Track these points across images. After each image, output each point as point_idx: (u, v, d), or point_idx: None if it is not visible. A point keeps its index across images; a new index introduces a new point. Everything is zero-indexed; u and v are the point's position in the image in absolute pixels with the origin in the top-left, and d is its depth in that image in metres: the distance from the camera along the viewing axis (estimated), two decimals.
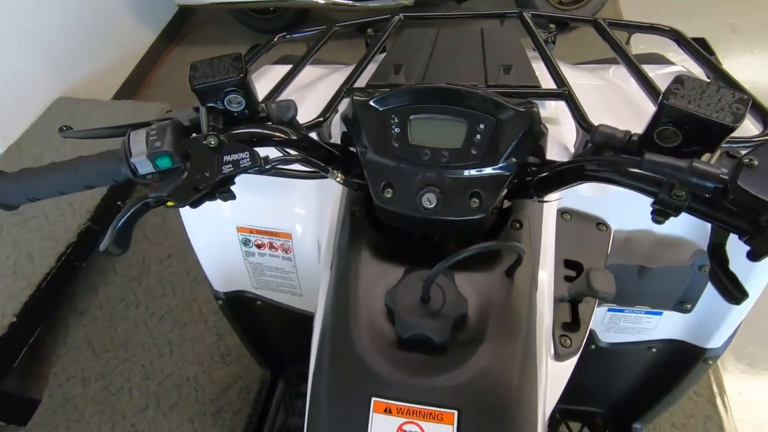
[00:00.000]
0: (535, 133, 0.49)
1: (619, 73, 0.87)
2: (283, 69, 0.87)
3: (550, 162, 0.52)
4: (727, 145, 0.43)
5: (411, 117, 0.51)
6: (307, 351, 0.57)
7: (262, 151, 0.48)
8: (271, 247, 0.86)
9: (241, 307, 0.99)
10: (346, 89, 0.74)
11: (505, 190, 0.51)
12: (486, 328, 0.50)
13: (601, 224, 0.73)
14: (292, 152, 0.52)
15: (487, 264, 0.55)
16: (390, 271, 0.55)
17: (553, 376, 0.59)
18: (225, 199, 0.49)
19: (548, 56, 0.77)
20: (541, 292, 0.57)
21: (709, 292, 0.73)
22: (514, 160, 0.49)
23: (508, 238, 0.57)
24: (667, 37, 0.83)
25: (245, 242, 0.87)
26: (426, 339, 0.48)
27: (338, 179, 0.52)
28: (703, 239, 0.71)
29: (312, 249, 0.83)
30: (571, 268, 0.69)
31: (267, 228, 0.84)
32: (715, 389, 1.38)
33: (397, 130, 0.52)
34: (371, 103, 0.52)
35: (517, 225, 0.59)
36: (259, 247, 0.87)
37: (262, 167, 0.46)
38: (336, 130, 0.73)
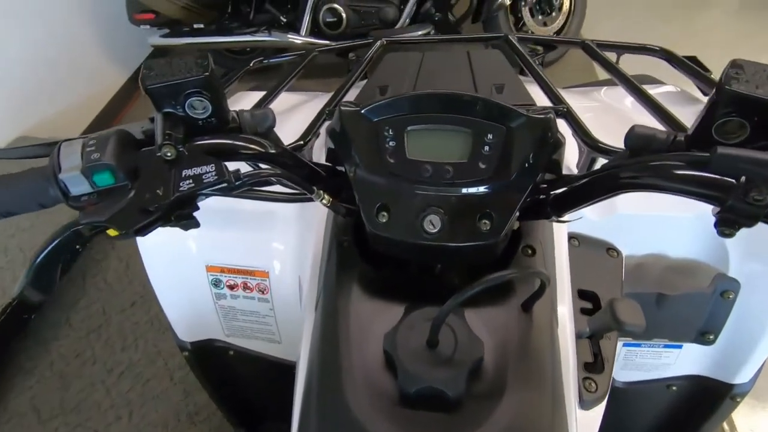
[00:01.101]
0: (551, 142, 0.43)
1: (611, 94, 0.84)
2: (259, 95, 0.81)
3: (568, 176, 0.45)
4: None
5: (408, 128, 0.45)
6: (287, 407, 0.50)
7: (233, 167, 0.39)
8: (246, 287, 0.77)
9: (210, 358, 0.87)
10: (329, 110, 0.67)
11: (519, 210, 0.44)
12: (506, 375, 0.41)
13: (611, 250, 0.67)
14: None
15: (501, 297, 0.47)
16: (387, 310, 0.46)
17: (581, 430, 0.50)
18: (186, 228, 0.40)
19: (541, 75, 0.74)
20: (562, 328, 0.49)
21: (733, 320, 0.66)
22: (529, 174, 0.43)
23: (520, 267, 0.50)
24: (658, 56, 0.81)
25: (215, 283, 0.77)
26: (437, 393, 0.39)
27: (324, 201, 0.44)
28: (722, 262, 0.66)
29: (292, 289, 0.74)
30: (585, 299, 0.62)
31: (240, 266, 0.75)
32: (726, 426, 1.30)
33: (392, 143, 0.45)
34: (363, 112, 0.46)
35: (529, 251, 0.52)
36: (231, 288, 0.77)
37: (232, 183, 0.37)
38: (318, 154, 0.66)
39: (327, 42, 2.40)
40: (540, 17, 2.45)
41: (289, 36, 2.39)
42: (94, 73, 2.67)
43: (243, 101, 0.86)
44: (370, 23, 2.38)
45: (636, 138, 0.36)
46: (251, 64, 0.90)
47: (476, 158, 0.44)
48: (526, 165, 0.43)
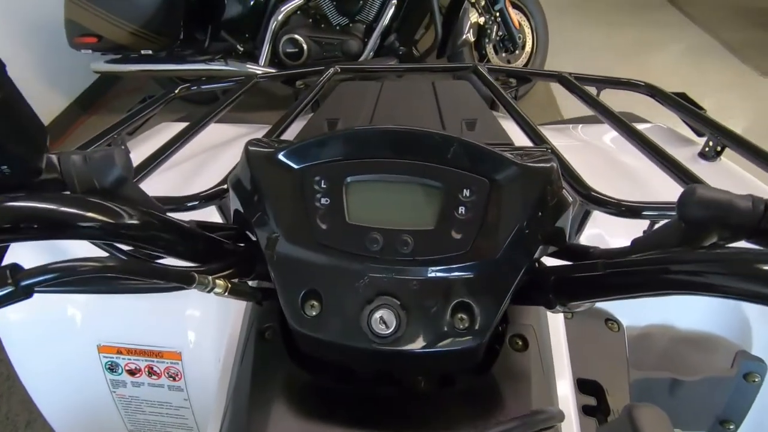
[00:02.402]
0: (555, 202, 0.30)
1: (592, 132, 0.75)
2: (184, 126, 0.66)
3: (578, 251, 0.32)
4: None
5: (348, 179, 0.31)
6: None
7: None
8: (151, 372, 0.59)
9: None
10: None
11: (508, 298, 0.30)
12: None
13: (610, 321, 0.55)
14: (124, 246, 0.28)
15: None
16: None
17: None
18: None
19: (516, 109, 0.63)
20: None
21: (759, 408, 0.55)
22: (523, 248, 0.30)
23: (508, 368, 0.36)
24: (642, 92, 0.73)
25: (111, 367, 0.60)
26: None
27: (217, 290, 0.28)
28: (743, 337, 0.54)
29: (212, 371, 0.57)
30: (585, 390, 0.48)
31: (144, 346, 0.58)
32: None
33: (324, 201, 0.31)
34: (280, 157, 0.32)
35: (519, 342, 0.38)
36: (132, 373, 0.60)
37: (17, 294, 0.21)
38: None
39: (269, 69, 2.28)
40: (504, 54, 2.44)
41: (248, 66, 2.27)
42: (31, 98, 2.43)
43: (164, 133, 0.71)
44: (333, 55, 2.29)
45: (698, 206, 0.23)
46: (177, 91, 0.75)
47: (448, 224, 0.30)
48: (520, 235, 0.30)
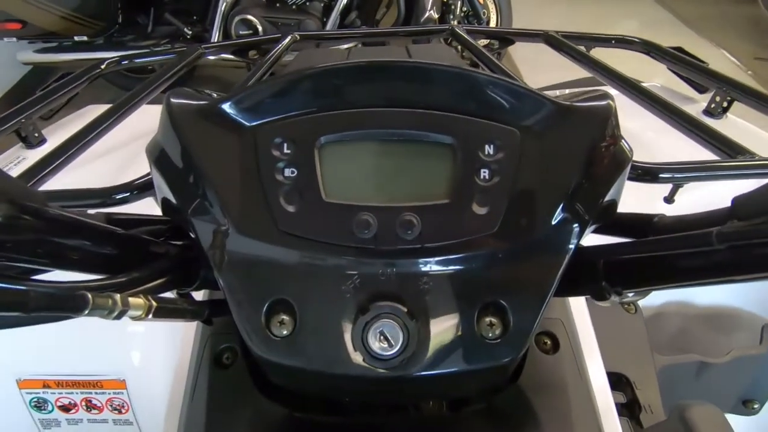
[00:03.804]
0: (612, 158, 0.22)
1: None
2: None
3: (640, 222, 0.25)
4: None
5: (322, 139, 0.22)
6: None
7: None
8: (90, 406, 0.49)
9: None
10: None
11: (552, 292, 0.22)
12: None
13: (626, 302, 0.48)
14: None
15: None
16: None
17: None
18: None
19: (504, 70, 0.55)
20: None
21: None
22: (572, 224, 0.22)
23: (538, 376, 0.29)
24: (636, 49, 0.67)
25: (38, 405, 0.49)
26: None
27: (133, 313, 0.19)
28: None
29: (164, 396, 0.47)
30: (614, 386, 0.42)
31: (77, 375, 0.47)
32: None
33: (290, 172, 0.22)
34: (222, 110, 0.22)
35: (547, 342, 0.31)
36: (66, 410, 0.50)
37: None
38: None
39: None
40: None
41: None
42: None
43: (85, 119, 0.59)
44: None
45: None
46: (103, 66, 0.62)
47: (467, 195, 0.22)
48: (567, 206, 0.21)
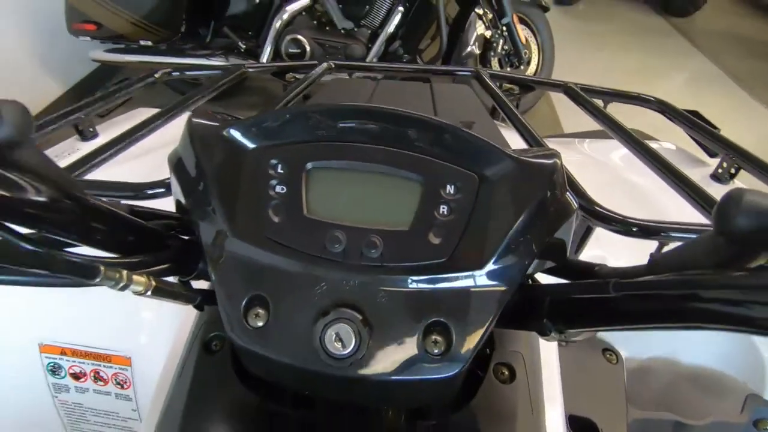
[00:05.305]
0: (557, 207, 0.25)
1: (599, 148, 0.70)
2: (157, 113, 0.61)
3: (582, 268, 0.27)
4: None
5: (309, 165, 0.26)
6: None
7: None
8: (98, 378, 0.54)
9: None
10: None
11: (494, 320, 0.25)
12: None
13: (608, 352, 0.49)
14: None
15: None
16: None
17: None
18: None
19: (519, 118, 0.58)
20: None
21: None
22: (517, 260, 0.24)
23: (491, 401, 0.31)
24: (652, 108, 0.69)
25: (53, 369, 0.54)
26: None
27: (135, 288, 0.23)
28: (755, 377, 0.49)
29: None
30: (578, 429, 0.43)
31: (91, 347, 0.52)
32: None
33: (280, 189, 0.26)
34: (230, 133, 0.27)
35: (505, 372, 0.33)
36: (76, 377, 0.54)
37: None
38: None
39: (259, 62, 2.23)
40: (508, 69, 2.43)
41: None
42: (25, 84, 2.39)
43: (136, 118, 0.66)
44: (336, 59, 2.26)
45: (749, 215, 0.17)
46: (157, 75, 0.70)
47: (425, 226, 0.25)
48: (512, 244, 0.24)
